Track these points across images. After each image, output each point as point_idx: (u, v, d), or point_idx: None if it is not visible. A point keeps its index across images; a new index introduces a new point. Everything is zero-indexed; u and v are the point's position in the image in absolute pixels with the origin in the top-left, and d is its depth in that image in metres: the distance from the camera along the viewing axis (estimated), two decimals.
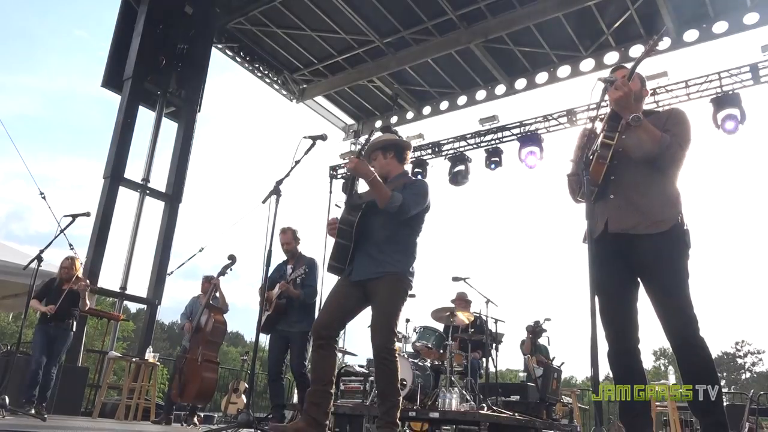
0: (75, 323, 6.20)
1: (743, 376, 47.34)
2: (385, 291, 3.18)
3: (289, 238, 5.41)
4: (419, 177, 11.09)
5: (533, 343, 7.55)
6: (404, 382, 5.43)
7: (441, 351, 5.91)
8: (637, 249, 2.52)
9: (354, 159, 3.08)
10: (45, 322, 5.93)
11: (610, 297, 2.55)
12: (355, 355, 8.03)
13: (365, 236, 3.25)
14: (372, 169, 3.16)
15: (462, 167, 10.58)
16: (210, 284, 6.70)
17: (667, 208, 2.53)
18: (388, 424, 3.12)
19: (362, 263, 3.25)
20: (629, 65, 2.60)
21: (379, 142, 3.43)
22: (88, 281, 6.26)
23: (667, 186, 2.59)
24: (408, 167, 3.62)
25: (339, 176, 11.86)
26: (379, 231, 3.25)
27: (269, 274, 3.78)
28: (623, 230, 2.54)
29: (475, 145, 10.69)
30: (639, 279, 2.57)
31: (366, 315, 3.28)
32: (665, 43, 8.63)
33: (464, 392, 5.40)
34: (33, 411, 5.30)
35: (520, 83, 10.63)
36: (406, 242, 3.32)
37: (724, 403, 2.45)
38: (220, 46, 10.88)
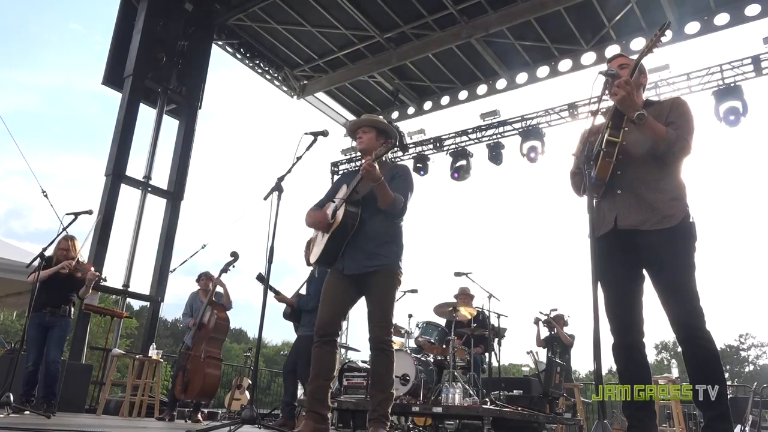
0: (72, 310, 5.56)
1: (747, 369, 47.40)
2: (381, 284, 3.22)
3: None
4: (421, 172, 11.09)
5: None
6: (407, 378, 5.44)
7: (444, 346, 5.92)
8: (645, 244, 2.52)
9: (372, 162, 3.02)
10: (38, 309, 5.29)
11: (617, 291, 2.56)
12: (358, 351, 8.04)
13: (357, 229, 3.24)
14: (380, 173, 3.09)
15: (463, 162, 10.59)
16: (208, 281, 6.71)
17: (675, 203, 2.53)
18: (381, 417, 3.13)
19: (355, 257, 3.24)
20: (633, 57, 2.59)
21: (379, 123, 3.46)
22: (99, 273, 5.77)
23: (673, 179, 2.59)
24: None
25: (340, 172, 11.85)
26: (371, 224, 3.25)
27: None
28: (632, 226, 2.54)
29: (476, 140, 10.69)
30: (646, 272, 2.57)
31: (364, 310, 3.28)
32: (666, 35, 8.59)
33: (467, 387, 5.40)
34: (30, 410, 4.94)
35: (521, 77, 10.62)
36: (396, 232, 3.34)
37: (728, 396, 2.44)
38: (220, 42, 10.88)
